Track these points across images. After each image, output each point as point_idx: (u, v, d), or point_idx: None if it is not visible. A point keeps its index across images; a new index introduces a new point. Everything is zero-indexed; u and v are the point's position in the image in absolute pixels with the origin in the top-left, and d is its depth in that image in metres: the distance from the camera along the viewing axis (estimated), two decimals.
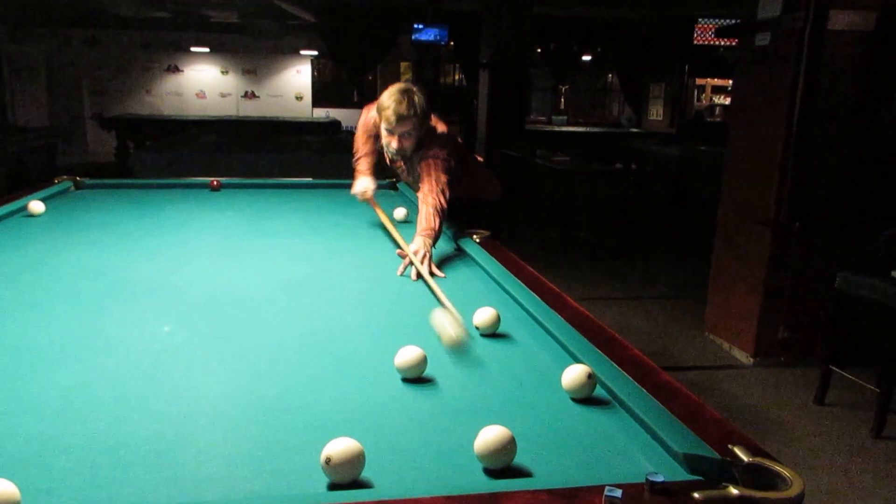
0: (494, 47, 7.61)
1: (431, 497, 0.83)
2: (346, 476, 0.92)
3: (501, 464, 0.97)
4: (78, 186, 3.40)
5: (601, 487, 0.84)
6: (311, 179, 3.79)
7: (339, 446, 0.93)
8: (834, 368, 3.34)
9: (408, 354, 1.29)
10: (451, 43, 11.21)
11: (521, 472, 0.98)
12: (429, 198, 2.32)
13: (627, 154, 9.83)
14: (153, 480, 0.94)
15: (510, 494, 0.84)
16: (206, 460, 1.00)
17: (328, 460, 0.92)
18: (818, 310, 3.79)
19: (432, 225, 2.22)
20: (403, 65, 14.60)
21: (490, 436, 0.98)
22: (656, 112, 14.27)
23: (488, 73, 7.69)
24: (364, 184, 2.75)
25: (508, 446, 0.97)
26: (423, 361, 1.29)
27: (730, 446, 0.97)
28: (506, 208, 3.42)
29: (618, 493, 0.82)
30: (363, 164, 2.83)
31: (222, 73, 13.33)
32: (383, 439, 1.07)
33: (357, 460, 0.93)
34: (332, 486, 0.93)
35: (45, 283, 1.87)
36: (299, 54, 13.22)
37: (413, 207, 3.00)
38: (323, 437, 0.98)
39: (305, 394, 1.23)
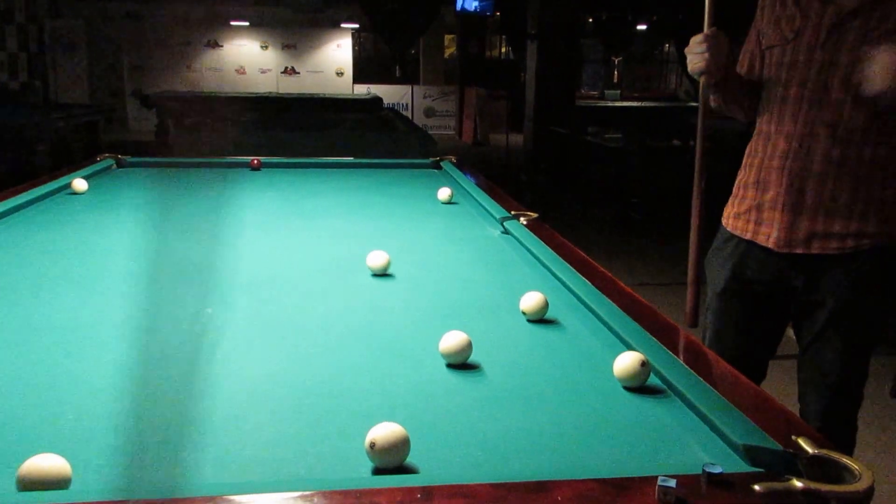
0: (543, 17, 7.51)
1: (478, 483, 0.85)
2: (391, 461, 0.95)
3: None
4: (120, 164, 3.50)
5: (654, 478, 0.84)
6: (352, 159, 3.82)
7: (384, 431, 0.95)
8: None
9: (453, 339, 1.30)
10: (497, 13, 11.11)
11: (570, 461, 0.99)
12: None
13: (685, 130, 9.61)
14: (199, 460, 0.97)
15: (559, 483, 0.85)
16: (250, 442, 1.03)
17: (373, 445, 0.94)
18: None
19: None
20: (448, 38, 14.54)
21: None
22: None
23: (537, 44, 7.61)
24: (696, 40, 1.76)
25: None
26: (468, 347, 1.30)
27: (794, 438, 0.96)
28: (553, 189, 3.36)
29: (672, 483, 0.82)
30: None
31: (262, 47, 13.50)
32: (428, 425, 1.08)
33: (402, 445, 0.95)
34: (377, 471, 0.95)
35: (89, 262, 1.94)
36: (340, 28, 13.29)
37: (459, 188, 3.01)
38: (367, 421, 1.00)
39: (349, 377, 1.26)
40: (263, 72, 13.57)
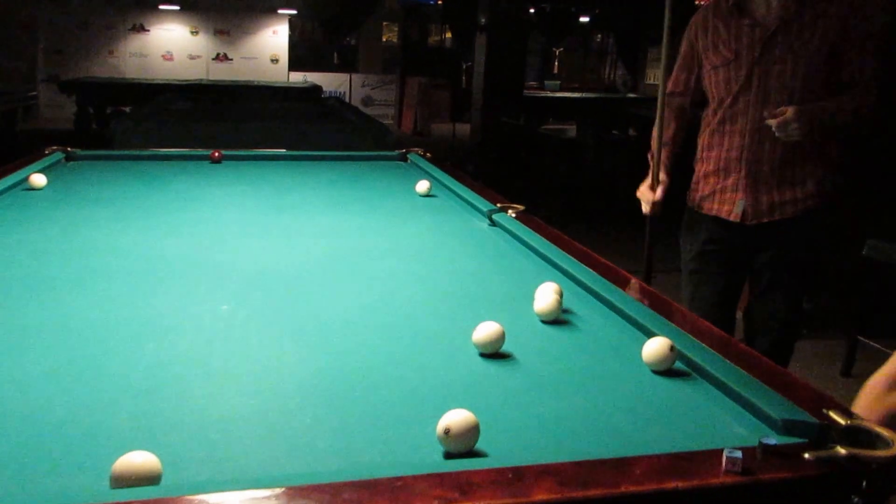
0: (493, 8, 7.63)
1: (561, 462, 0.93)
2: (464, 446, 1.02)
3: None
4: (70, 158, 3.42)
5: (717, 451, 0.94)
6: (318, 151, 3.83)
7: (458, 417, 1.02)
8: (861, 339, 3.50)
9: (488, 329, 1.38)
10: (440, 1, 11.18)
11: (623, 441, 1.08)
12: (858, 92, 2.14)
13: (625, 121, 9.91)
14: (273, 453, 1.02)
15: (635, 459, 0.94)
16: (317, 434, 1.08)
17: (447, 430, 1.01)
18: (842, 279, 3.94)
19: (835, 108, 2.11)
20: (385, 24, 14.52)
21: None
22: (654, 76, 14.36)
23: (486, 35, 7.73)
24: (647, 194, 2.51)
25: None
26: (502, 336, 1.38)
27: (825, 411, 1.07)
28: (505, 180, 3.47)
29: (738, 454, 0.92)
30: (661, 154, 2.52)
31: (192, 33, 13.16)
32: (478, 412, 1.15)
33: (474, 431, 1.02)
34: (448, 456, 1.02)
35: (82, 261, 1.92)
36: (276, 13, 13.09)
37: (435, 181, 3.07)
38: (418, 409, 1.11)
39: (388, 369, 1.32)
40: (193, 58, 13.23)
